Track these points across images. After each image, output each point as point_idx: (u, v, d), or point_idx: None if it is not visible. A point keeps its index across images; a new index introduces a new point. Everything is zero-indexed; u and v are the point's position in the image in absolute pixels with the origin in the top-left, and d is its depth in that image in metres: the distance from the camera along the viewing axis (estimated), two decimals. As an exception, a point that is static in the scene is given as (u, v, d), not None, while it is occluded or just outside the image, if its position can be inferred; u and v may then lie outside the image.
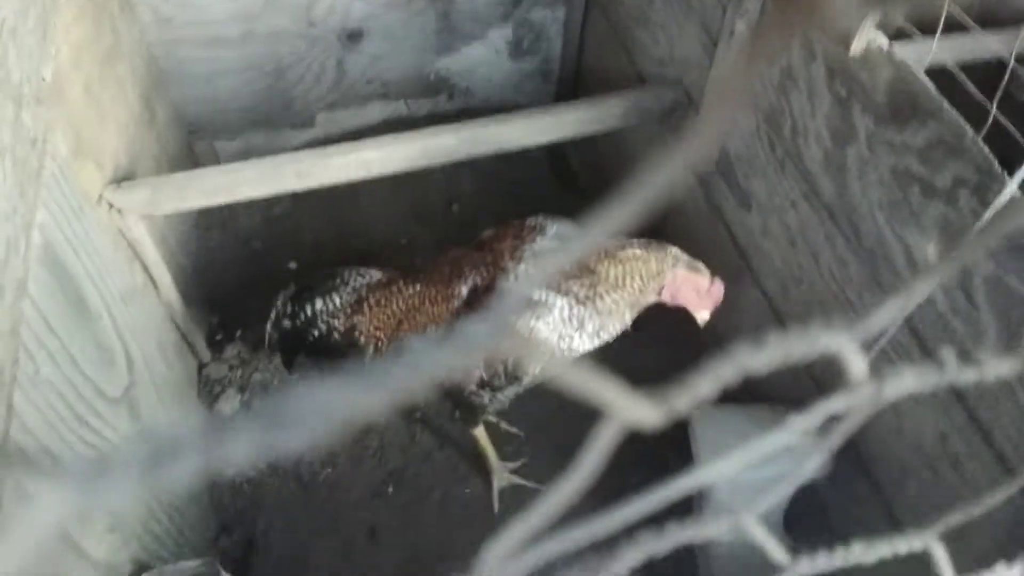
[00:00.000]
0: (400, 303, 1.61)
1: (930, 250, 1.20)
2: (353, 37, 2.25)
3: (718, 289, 1.53)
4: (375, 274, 1.68)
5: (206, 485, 1.82)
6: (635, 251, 1.50)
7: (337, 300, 1.65)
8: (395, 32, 2.28)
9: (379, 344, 1.62)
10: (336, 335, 1.66)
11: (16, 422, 0.99)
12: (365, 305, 1.63)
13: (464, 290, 1.55)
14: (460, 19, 2.32)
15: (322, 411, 0.19)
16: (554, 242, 1.55)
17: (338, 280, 1.67)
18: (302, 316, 1.67)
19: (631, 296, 1.50)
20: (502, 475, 1.83)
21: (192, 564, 1.38)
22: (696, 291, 1.52)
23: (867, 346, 1.33)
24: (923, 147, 1.17)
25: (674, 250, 1.54)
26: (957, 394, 1.23)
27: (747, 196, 1.70)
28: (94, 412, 1.23)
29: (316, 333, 1.67)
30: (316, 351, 1.71)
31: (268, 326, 1.71)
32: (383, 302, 1.62)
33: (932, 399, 1.28)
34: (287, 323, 1.69)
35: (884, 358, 1.35)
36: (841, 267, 1.44)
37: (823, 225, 1.46)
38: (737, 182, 1.73)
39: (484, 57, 2.45)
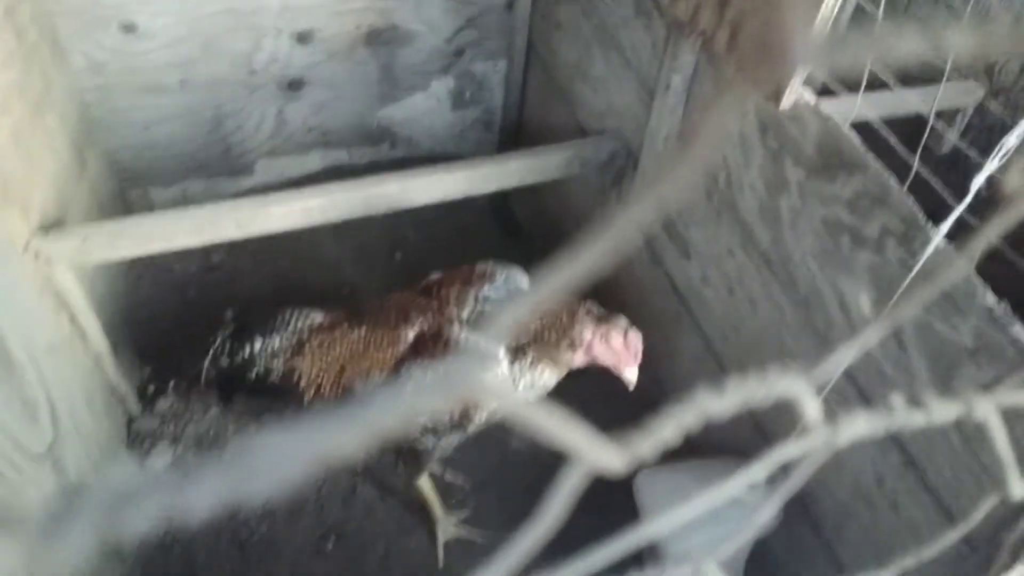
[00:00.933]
0: (343, 347, 1.57)
1: (862, 298, 1.24)
2: (294, 86, 2.24)
3: (635, 340, 1.50)
4: (318, 316, 1.65)
5: (133, 545, 1.73)
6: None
7: (277, 341, 1.61)
8: (337, 82, 2.28)
9: (320, 388, 1.58)
10: (275, 376, 1.61)
11: (-74, 484, 0.93)
12: (307, 348, 1.59)
13: (410, 335, 1.53)
14: (402, 70, 2.34)
15: (287, 458, 0.18)
16: (502, 290, 1.54)
17: (279, 320, 1.64)
18: (240, 355, 1.63)
19: (550, 351, 1.49)
20: (447, 527, 1.80)
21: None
22: (611, 347, 1.49)
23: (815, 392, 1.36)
24: (851, 198, 1.22)
25: (586, 304, 1.53)
26: (893, 436, 1.26)
27: (687, 245, 1.74)
28: (15, 468, 1.17)
29: (255, 373, 1.62)
30: (254, 391, 1.66)
31: (206, 362, 1.65)
32: (325, 345, 1.59)
33: (869, 442, 1.31)
34: (225, 361, 1.64)
35: (824, 405, 1.38)
36: (778, 313, 1.47)
37: (760, 273, 1.50)
38: (677, 231, 1.77)
39: (426, 107, 2.47)
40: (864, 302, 1.22)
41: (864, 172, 1.19)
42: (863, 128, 1.27)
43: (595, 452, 0.20)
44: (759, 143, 1.40)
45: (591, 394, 2.08)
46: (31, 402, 1.29)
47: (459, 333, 1.49)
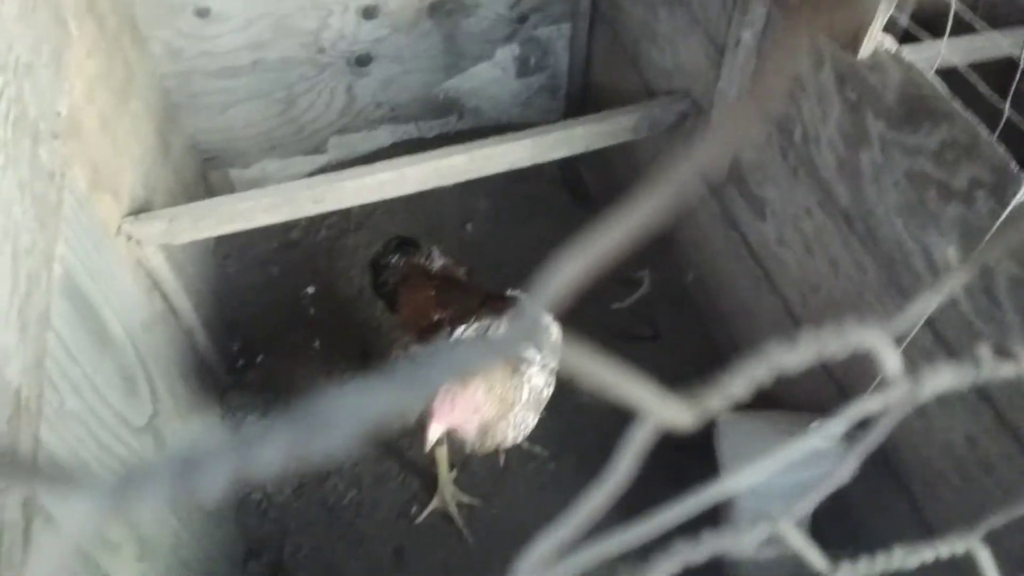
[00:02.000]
0: (426, 295, 1.68)
1: (950, 253, 1.19)
2: (362, 61, 2.27)
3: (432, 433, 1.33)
4: (438, 262, 1.79)
5: (232, 510, 1.82)
6: None
7: (402, 262, 1.79)
8: (403, 55, 2.30)
9: (404, 322, 1.68)
10: (387, 290, 1.79)
11: (43, 453, 1.00)
12: (409, 282, 1.73)
13: (436, 318, 1.60)
14: (466, 40, 2.34)
15: (353, 414, 0.19)
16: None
17: (422, 250, 1.81)
18: (387, 260, 1.82)
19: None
20: (446, 496, 1.82)
21: (219, 591, 1.38)
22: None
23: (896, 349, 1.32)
24: (938, 149, 1.17)
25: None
26: (985, 396, 1.21)
27: (761, 205, 1.70)
28: (120, 441, 1.24)
29: (382, 280, 1.82)
30: (380, 294, 1.85)
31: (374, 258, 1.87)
32: (417, 287, 1.71)
33: (960, 402, 1.27)
34: (386, 260, 1.83)
35: (907, 361, 1.33)
36: (860, 273, 1.43)
37: (839, 231, 1.45)
38: (751, 190, 1.72)
39: (491, 76, 2.47)
40: (952, 257, 1.17)
41: (951, 121, 1.13)
42: (949, 75, 1.20)
43: (664, 408, 0.20)
44: (836, 95, 1.35)
45: (667, 360, 2.07)
46: (131, 377, 1.36)
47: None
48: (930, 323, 1.27)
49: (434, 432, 1.29)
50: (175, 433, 1.54)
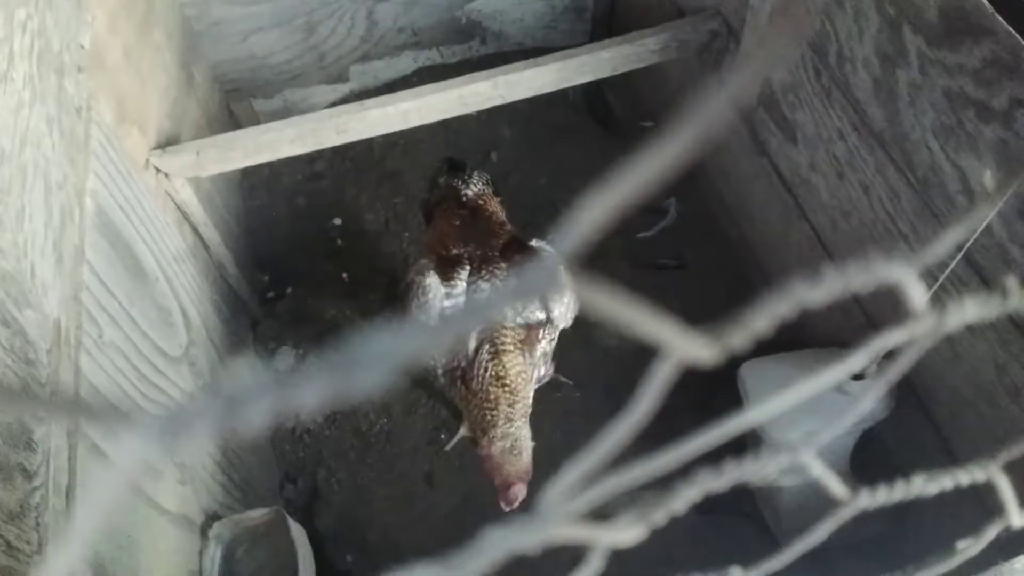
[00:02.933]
0: (451, 222, 1.74)
1: (987, 176, 1.16)
2: (383, -14, 2.22)
3: (515, 493, 1.50)
4: (474, 188, 1.81)
5: (268, 438, 1.88)
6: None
7: (444, 184, 1.84)
8: (425, -22, 2.24)
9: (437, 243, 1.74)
10: (428, 208, 1.87)
11: (84, 383, 1.04)
12: (440, 207, 1.79)
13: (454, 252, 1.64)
14: (490, -40, 2.27)
15: (389, 354, 0.19)
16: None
17: (467, 174, 1.85)
18: (436, 179, 1.89)
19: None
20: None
21: (260, 512, 1.44)
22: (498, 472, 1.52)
23: (927, 280, 1.30)
24: (978, 68, 1.12)
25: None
26: (1015, 323, 1.19)
27: (793, 129, 1.66)
28: (157, 371, 1.28)
29: (424, 198, 1.91)
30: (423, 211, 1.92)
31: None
32: (441, 211, 1.78)
33: (990, 330, 1.25)
34: (436, 179, 1.90)
35: (941, 291, 1.32)
36: (893, 198, 1.40)
37: (873, 155, 1.42)
38: (782, 115, 1.68)
39: (516, -2, 2.40)
40: (989, 181, 1.13)
41: (994, 37, 1.08)
42: (995, -13, 1.14)
43: (685, 344, 0.20)
44: (874, 10, 1.29)
45: (695, 289, 2.07)
46: (165, 308, 1.40)
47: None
48: (965, 252, 1.25)
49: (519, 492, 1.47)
50: (210, 363, 1.58)
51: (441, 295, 1.54)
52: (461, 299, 1.55)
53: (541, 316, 1.56)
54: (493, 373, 1.50)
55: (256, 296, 2.08)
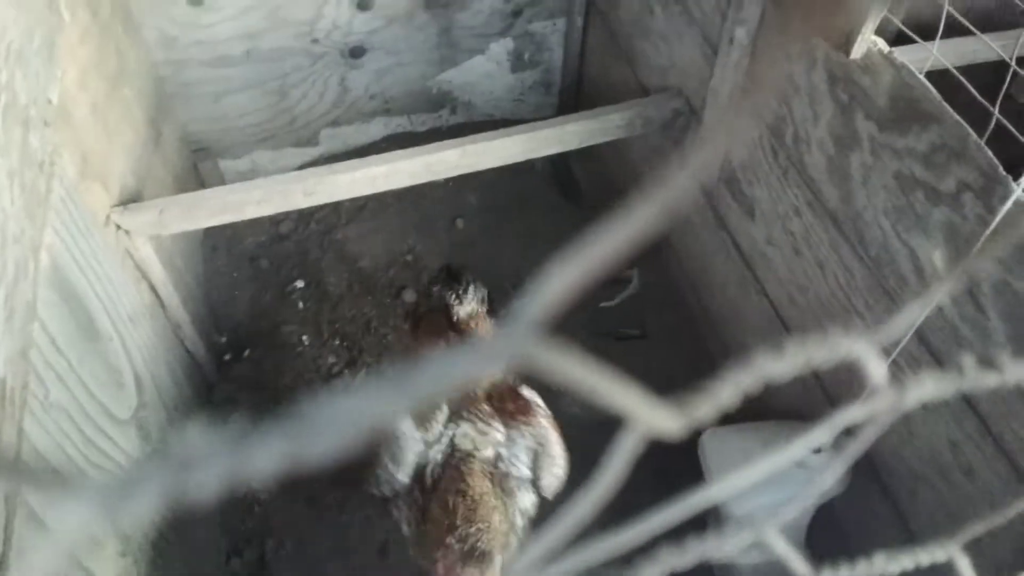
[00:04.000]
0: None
1: (936, 256, 1.20)
2: (356, 53, 2.26)
3: None
4: (467, 307, 1.68)
5: (216, 506, 1.82)
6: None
7: (436, 295, 1.72)
8: (397, 47, 2.29)
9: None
10: (413, 317, 1.76)
11: (26, 445, 0.99)
12: (427, 320, 1.68)
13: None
14: (461, 33, 2.34)
15: (344, 421, 0.19)
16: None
17: (462, 287, 1.71)
18: (430, 289, 1.76)
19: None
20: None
21: (203, 585, 1.37)
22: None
23: (880, 356, 1.33)
24: (927, 152, 1.17)
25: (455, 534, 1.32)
26: (968, 402, 1.22)
27: (751, 204, 1.70)
28: (103, 434, 1.23)
29: (416, 305, 1.81)
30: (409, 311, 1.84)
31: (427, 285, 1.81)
32: (428, 325, 1.67)
33: (943, 407, 1.28)
34: (430, 289, 1.77)
35: (895, 368, 1.34)
36: (847, 275, 1.43)
37: (828, 232, 1.46)
38: (741, 190, 1.73)
39: (485, 70, 2.46)
40: (939, 261, 1.18)
41: (941, 124, 1.14)
42: (939, 78, 1.21)
43: (651, 415, 0.20)
44: (828, 96, 1.35)
45: (655, 359, 2.08)
46: (116, 369, 1.36)
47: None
48: (916, 329, 1.28)
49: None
50: (160, 426, 1.53)
51: (418, 447, 1.39)
52: (440, 447, 1.39)
53: (526, 474, 1.41)
54: (455, 487, 1.34)
55: (212, 358, 2.04)
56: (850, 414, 0.24)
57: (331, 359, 2.10)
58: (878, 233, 1.32)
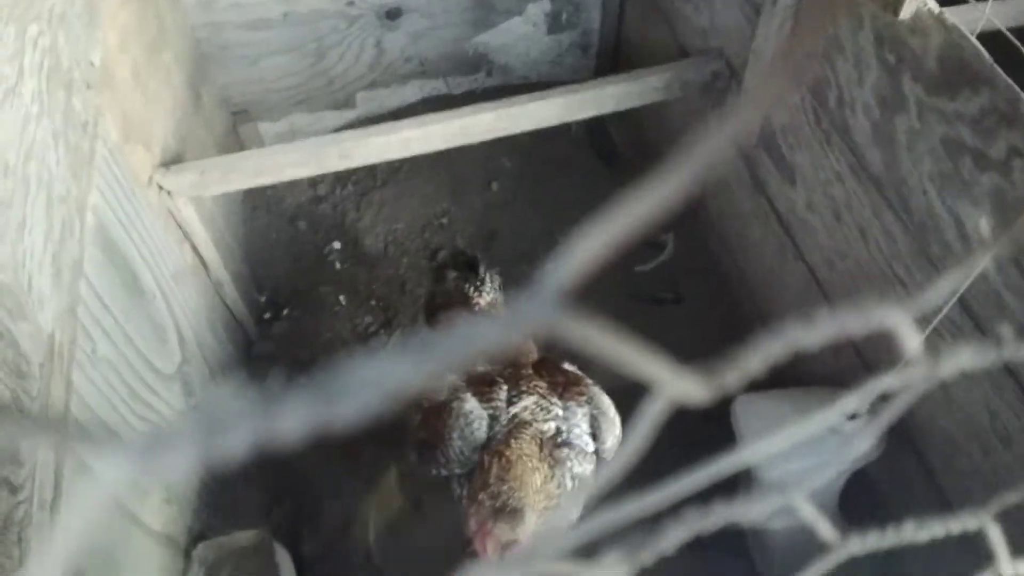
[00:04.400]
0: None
1: (982, 223, 1.17)
2: (392, 15, 2.25)
3: (492, 541, 1.27)
4: (487, 296, 1.68)
5: (257, 459, 1.87)
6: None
7: (453, 285, 1.70)
8: (433, 9, 2.27)
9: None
10: (432, 303, 1.73)
11: (75, 398, 1.03)
12: (447, 313, 1.66)
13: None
14: (498, -6, 2.31)
15: (372, 384, 0.19)
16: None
17: (479, 278, 1.70)
18: (444, 274, 1.74)
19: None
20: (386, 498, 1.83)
21: (246, 535, 1.42)
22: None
23: (921, 325, 1.30)
24: (976, 116, 1.14)
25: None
26: (1010, 371, 1.20)
27: (791, 170, 1.67)
28: (148, 388, 1.27)
29: (430, 291, 1.77)
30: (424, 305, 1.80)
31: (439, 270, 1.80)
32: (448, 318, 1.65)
33: (983, 375, 1.25)
34: (443, 274, 1.75)
35: (936, 336, 1.32)
36: (889, 241, 1.41)
37: (870, 198, 1.43)
38: (782, 155, 1.70)
39: (522, 32, 2.43)
40: (985, 228, 1.15)
41: (992, 87, 1.10)
42: (991, 38, 1.16)
43: (678, 383, 0.20)
44: (875, 58, 1.31)
45: (690, 324, 2.07)
46: (160, 326, 1.39)
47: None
48: (959, 297, 1.25)
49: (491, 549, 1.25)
50: (203, 382, 1.57)
51: (485, 423, 1.37)
52: (502, 424, 1.38)
53: (587, 443, 1.39)
54: (496, 449, 1.35)
55: (252, 317, 2.08)
56: (883, 383, 0.24)
57: (367, 319, 2.13)
58: (922, 199, 1.29)
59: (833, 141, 1.49)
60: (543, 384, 1.44)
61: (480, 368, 1.47)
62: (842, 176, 1.50)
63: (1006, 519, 0.35)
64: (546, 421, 1.38)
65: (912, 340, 0.22)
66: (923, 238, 1.32)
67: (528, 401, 1.40)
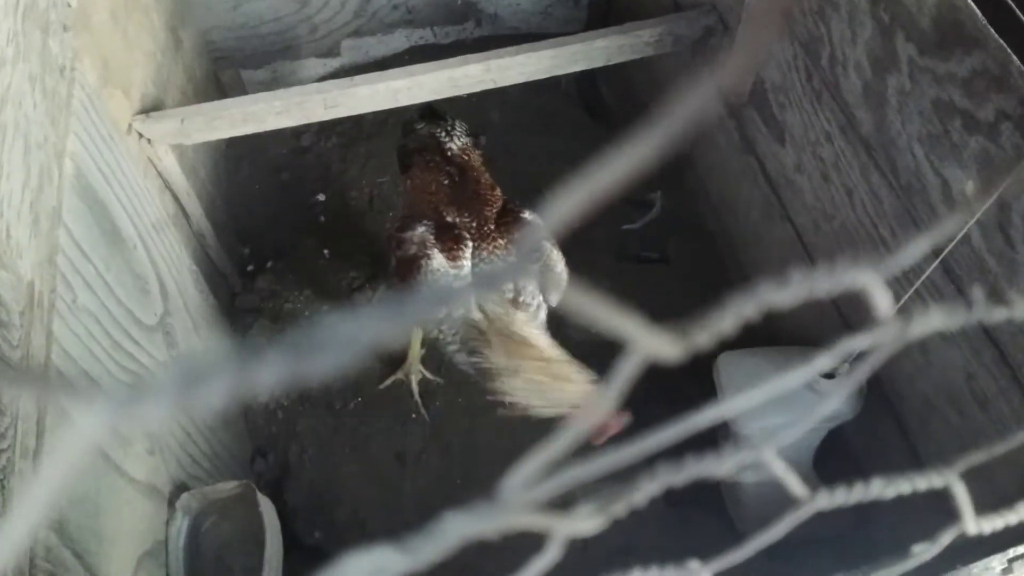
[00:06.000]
0: (439, 190, 1.67)
1: (968, 186, 1.17)
2: (379, -39, 2.19)
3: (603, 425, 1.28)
4: (458, 141, 1.75)
5: (241, 411, 1.88)
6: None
7: (425, 132, 1.77)
8: (422, -44, 2.22)
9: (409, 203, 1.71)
10: (405, 151, 1.80)
11: (56, 348, 1.03)
12: (421, 157, 1.74)
13: (451, 220, 1.59)
14: (489, -58, 2.25)
15: (348, 339, 0.19)
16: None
17: (448, 123, 1.79)
18: (413, 126, 1.83)
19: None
20: (408, 371, 1.89)
21: (229, 486, 1.43)
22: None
23: (903, 287, 1.32)
24: (967, 77, 1.13)
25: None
26: (988, 335, 1.21)
27: (781, 129, 1.66)
28: (130, 339, 1.27)
29: (403, 143, 1.83)
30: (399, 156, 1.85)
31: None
32: (423, 162, 1.72)
33: (962, 338, 1.27)
34: (412, 126, 1.83)
35: (918, 299, 1.33)
36: (875, 203, 1.41)
37: (859, 159, 1.43)
38: (772, 114, 1.68)
39: (513, -18, 2.38)
40: (970, 191, 1.15)
41: (984, 48, 1.09)
42: (986, 1, 1.15)
43: (650, 340, 0.20)
44: (869, 15, 1.30)
45: (675, 284, 2.08)
46: (142, 276, 1.38)
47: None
48: (942, 260, 1.26)
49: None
50: (186, 334, 1.57)
51: (450, 278, 1.48)
52: (466, 280, 1.48)
53: (537, 301, 1.49)
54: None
55: (235, 269, 2.07)
56: (855, 342, 0.24)
57: (352, 274, 2.12)
58: (911, 161, 1.29)
59: (824, 100, 1.48)
60: (502, 241, 1.55)
61: (448, 218, 1.57)
62: (832, 136, 1.49)
63: (978, 480, 0.35)
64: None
65: (883, 300, 0.22)
66: (909, 200, 1.32)
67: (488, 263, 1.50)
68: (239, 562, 1.44)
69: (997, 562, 0.68)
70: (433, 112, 1.83)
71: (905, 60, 1.24)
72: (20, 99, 1.04)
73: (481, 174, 1.72)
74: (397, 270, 1.58)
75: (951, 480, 0.31)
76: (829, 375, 1.40)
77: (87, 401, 0.19)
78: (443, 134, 1.76)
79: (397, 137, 1.91)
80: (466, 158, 1.74)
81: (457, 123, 1.81)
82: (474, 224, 1.57)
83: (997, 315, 0.24)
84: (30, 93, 1.07)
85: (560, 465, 0.26)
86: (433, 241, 1.53)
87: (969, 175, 1.16)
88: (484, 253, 1.53)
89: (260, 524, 1.43)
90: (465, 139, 1.79)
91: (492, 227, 1.57)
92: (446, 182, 1.67)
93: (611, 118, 2.45)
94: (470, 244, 1.53)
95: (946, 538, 0.35)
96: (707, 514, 1.74)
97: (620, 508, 0.28)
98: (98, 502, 1.08)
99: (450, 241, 1.53)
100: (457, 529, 0.25)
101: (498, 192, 1.67)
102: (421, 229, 1.56)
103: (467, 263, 1.52)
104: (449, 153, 1.74)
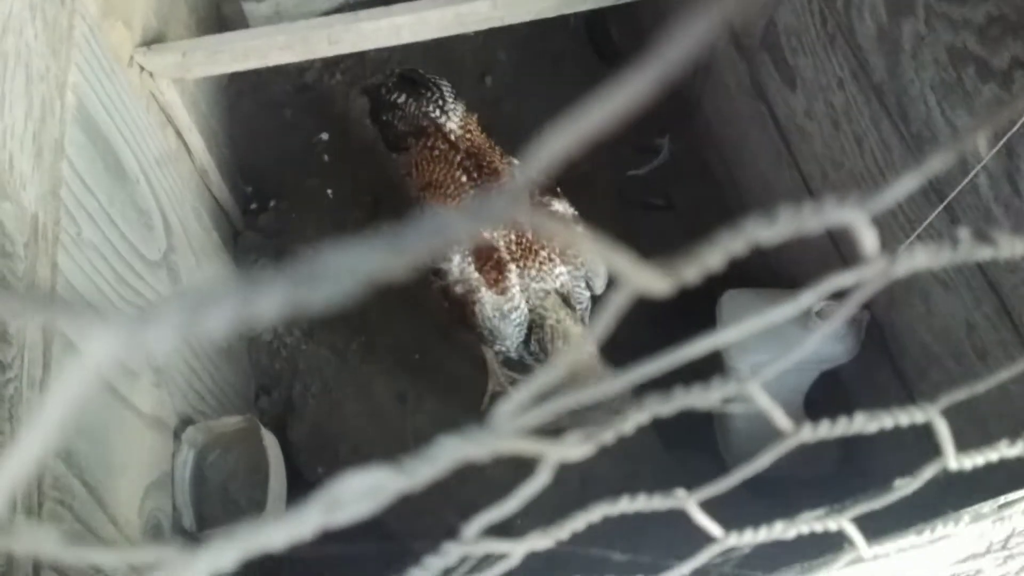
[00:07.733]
0: (439, 166, 1.60)
1: (980, 137, 1.16)
2: None
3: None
4: (454, 118, 1.64)
5: (245, 347, 1.90)
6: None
7: (412, 107, 1.66)
8: None
9: (410, 174, 1.63)
10: (392, 136, 1.71)
11: (61, 280, 1.04)
12: (423, 146, 1.64)
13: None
14: None
15: (348, 270, 0.20)
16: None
17: (435, 93, 1.66)
18: (391, 98, 1.70)
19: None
20: (499, 380, 1.82)
21: (234, 420, 1.46)
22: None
23: (906, 233, 1.31)
24: (983, 24, 1.11)
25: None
26: (991, 284, 1.21)
27: (793, 74, 1.64)
28: (135, 273, 1.28)
29: (386, 120, 1.72)
30: (382, 133, 1.76)
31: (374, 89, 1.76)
32: (428, 153, 1.62)
33: (964, 288, 1.27)
34: (390, 97, 1.71)
35: (919, 243, 1.33)
36: (884, 151, 1.39)
37: (870, 107, 1.41)
38: (784, 58, 1.65)
39: (523, -84, 2.31)
40: (981, 140, 1.13)
41: (1003, -7, 1.07)
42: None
43: (640, 275, 0.20)
44: (886, -42, 1.27)
45: (679, 231, 2.07)
46: (145, 211, 1.38)
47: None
48: (948, 207, 1.25)
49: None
50: (189, 271, 1.58)
51: (506, 317, 1.39)
52: (521, 316, 1.39)
53: (586, 302, 1.46)
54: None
55: (238, 207, 2.07)
56: (839, 280, 0.25)
57: (356, 214, 2.12)
58: (922, 109, 1.27)
59: (837, 45, 1.46)
60: (543, 254, 1.43)
61: (480, 240, 1.45)
62: (844, 82, 1.47)
63: (969, 423, 0.36)
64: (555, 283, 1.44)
65: (869, 238, 0.22)
66: (919, 149, 1.30)
67: (548, 302, 1.41)
68: (244, 494, 1.48)
69: (988, 508, 0.70)
70: (410, 80, 1.68)
71: (921, 4, 1.21)
72: (21, 28, 1.03)
73: (496, 159, 1.57)
74: (450, 312, 1.48)
75: (932, 415, 0.31)
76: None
77: (93, 327, 0.20)
78: (439, 113, 1.62)
79: (367, 105, 1.77)
80: (470, 137, 1.62)
81: (443, 87, 1.66)
82: (512, 237, 1.42)
83: (982, 254, 0.24)
84: (31, 22, 1.06)
85: (551, 394, 0.27)
86: (476, 276, 1.40)
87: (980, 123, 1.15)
88: (532, 272, 1.40)
89: (264, 458, 1.46)
90: (462, 111, 1.65)
91: (529, 236, 1.43)
92: (464, 179, 1.52)
93: (621, 60, 2.41)
94: (514, 269, 1.40)
95: (927, 472, 0.36)
96: (704, 457, 1.77)
97: (608, 436, 0.29)
98: (106, 433, 1.10)
99: (492, 272, 1.40)
100: (450, 451, 0.25)
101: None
102: (457, 259, 1.42)
103: (517, 292, 1.39)
104: (453, 137, 1.61)
